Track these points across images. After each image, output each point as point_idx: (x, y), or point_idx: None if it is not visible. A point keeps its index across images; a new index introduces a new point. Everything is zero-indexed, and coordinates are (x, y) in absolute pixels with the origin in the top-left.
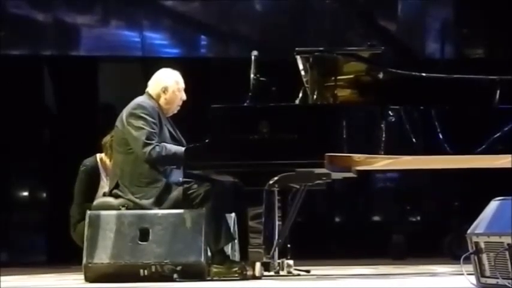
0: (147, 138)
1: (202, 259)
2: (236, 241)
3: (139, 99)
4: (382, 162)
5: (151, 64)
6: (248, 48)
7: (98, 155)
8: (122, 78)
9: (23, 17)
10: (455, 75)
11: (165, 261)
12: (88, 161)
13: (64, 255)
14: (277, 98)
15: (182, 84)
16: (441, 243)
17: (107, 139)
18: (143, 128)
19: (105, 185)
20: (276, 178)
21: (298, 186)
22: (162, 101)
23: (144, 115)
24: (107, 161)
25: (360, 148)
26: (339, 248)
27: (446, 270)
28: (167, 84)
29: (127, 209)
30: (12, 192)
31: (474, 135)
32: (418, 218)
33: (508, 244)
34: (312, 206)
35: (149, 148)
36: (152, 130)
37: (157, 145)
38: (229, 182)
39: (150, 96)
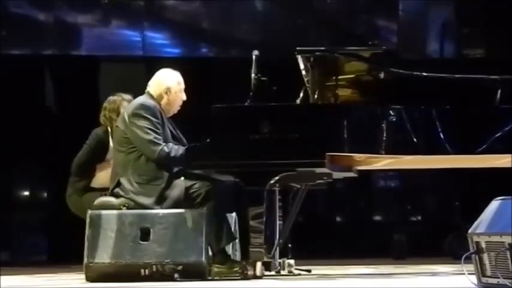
0: (155, 139)
1: (203, 259)
2: (237, 241)
3: (141, 100)
4: (383, 162)
5: (152, 64)
6: (249, 48)
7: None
8: (122, 77)
9: (24, 16)
10: (456, 75)
11: (166, 260)
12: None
13: (65, 254)
14: (278, 97)
15: (183, 85)
16: (442, 243)
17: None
18: (149, 129)
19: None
20: (277, 178)
21: (299, 186)
22: (164, 102)
23: (149, 116)
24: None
25: (361, 148)
26: (339, 247)
27: (447, 269)
28: (169, 85)
29: (128, 208)
30: (13, 192)
31: (475, 135)
32: (419, 217)
33: (509, 244)
34: (313, 206)
35: (158, 148)
36: (158, 130)
37: (165, 145)
38: (230, 181)
39: (151, 96)
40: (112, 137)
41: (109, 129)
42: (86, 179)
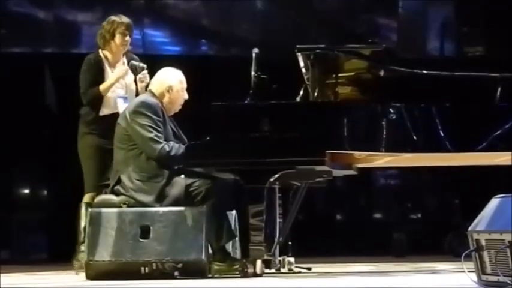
0: (156, 137)
1: (203, 257)
2: (237, 239)
3: (143, 97)
4: (383, 160)
5: (152, 62)
6: (249, 46)
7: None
8: None
9: (24, 15)
10: (456, 73)
11: (166, 258)
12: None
13: (65, 253)
14: (278, 95)
15: (185, 84)
16: (442, 241)
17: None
18: (151, 126)
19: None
20: (276, 176)
21: (299, 184)
22: (165, 100)
23: (150, 113)
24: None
25: (361, 145)
26: (340, 245)
27: (447, 267)
28: (172, 84)
29: (128, 206)
30: (14, 190)
31: (475, 132)
32: (419, 215)
33: (508, 241)
34: (313, 204)
35: (159, 147)
36: (159, 128)
37: (166, 144)
38: (230, 179)
39: (153, 94)
40: (105, 58)
41: (101, 52)
42: (93, 109)
